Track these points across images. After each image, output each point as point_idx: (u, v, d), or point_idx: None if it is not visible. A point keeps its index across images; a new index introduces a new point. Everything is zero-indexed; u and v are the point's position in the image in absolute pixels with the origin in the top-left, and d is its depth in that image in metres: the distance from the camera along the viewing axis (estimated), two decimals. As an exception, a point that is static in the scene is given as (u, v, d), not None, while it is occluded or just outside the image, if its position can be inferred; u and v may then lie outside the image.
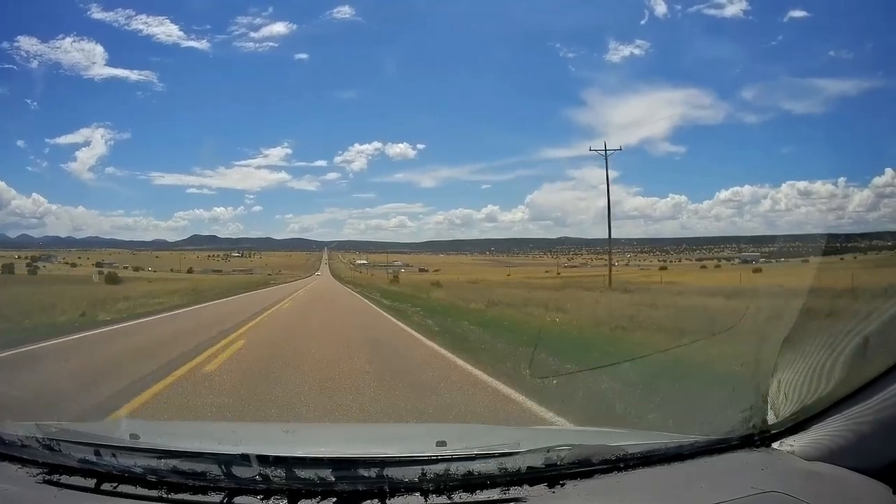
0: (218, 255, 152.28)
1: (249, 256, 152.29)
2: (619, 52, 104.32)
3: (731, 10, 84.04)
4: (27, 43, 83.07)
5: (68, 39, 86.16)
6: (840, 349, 1.62)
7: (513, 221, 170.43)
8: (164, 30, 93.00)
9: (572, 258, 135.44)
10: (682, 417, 3.73)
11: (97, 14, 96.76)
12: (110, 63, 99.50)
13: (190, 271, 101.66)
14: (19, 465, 1.48)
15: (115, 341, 9.91)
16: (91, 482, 1.40)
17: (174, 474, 1.37)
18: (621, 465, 1.47)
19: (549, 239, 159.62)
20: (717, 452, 1.60)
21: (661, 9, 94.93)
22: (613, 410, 4.43)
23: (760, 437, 1.63)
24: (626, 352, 7.58)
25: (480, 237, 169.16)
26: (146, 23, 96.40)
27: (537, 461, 1.42)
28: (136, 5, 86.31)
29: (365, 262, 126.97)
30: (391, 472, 1.36)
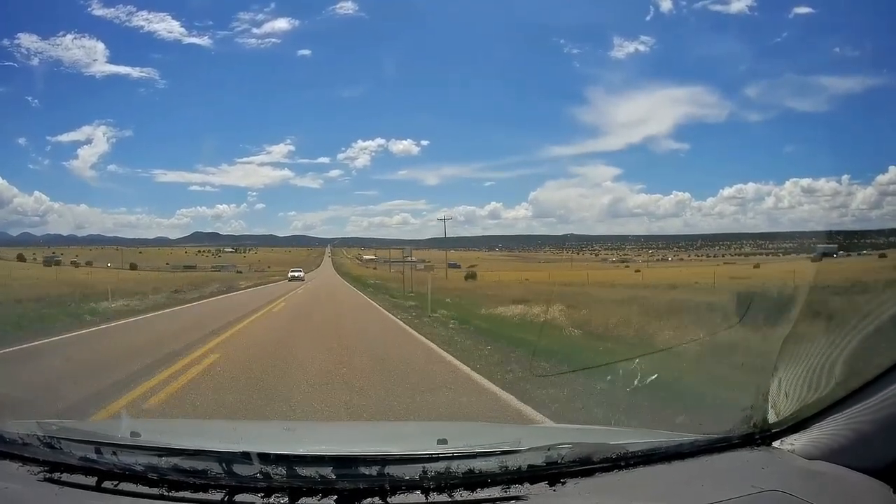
0: (209, 251, 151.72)
1: (244, 252, 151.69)
2: (624, 48, 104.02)
3: (737, 7, 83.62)
4: (28, 40, 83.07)
5: (69, 36, 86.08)
6: (841, 348, 1.61)
7: (516, 218, 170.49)
8: (166, 26, 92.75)
9: (597, 253, 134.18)
10: None
11: (98, 11, 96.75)
12: (112, 60, 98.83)
13: (133, 268, 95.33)
14: (20, 464, 1.48)
15: None
16: (92, 480, 1.40)
17: (175, 472, 1.37)
18: (622, 464, 1.47)
19: (554, 236, 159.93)
20: (717, 451, 1.59)
21: (666, 4, 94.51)
22: None
23: (761, 436, 1.62)
24: None
25: (483, 234, 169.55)
26: (147, 19, 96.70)
27: (538, 459, 1.42)
28: (137, 1, 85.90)
29: (373, 257, 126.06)
30: (392, 470, 1.36)
